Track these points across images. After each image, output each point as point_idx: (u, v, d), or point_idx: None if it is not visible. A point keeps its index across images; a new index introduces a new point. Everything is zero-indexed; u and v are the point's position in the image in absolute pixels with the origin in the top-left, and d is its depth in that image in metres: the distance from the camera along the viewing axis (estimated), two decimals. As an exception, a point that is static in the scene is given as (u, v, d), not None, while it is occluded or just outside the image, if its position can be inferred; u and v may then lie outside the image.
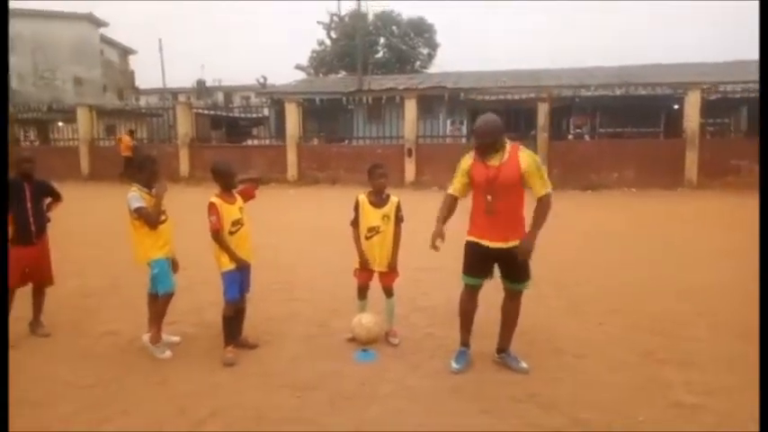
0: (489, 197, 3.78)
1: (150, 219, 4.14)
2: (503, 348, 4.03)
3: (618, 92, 20.68)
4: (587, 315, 5.15)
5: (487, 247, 3.82)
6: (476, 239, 3.88)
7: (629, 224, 10.61)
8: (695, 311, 5.20)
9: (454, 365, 3.97)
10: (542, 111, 17.02)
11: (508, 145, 3.80)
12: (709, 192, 14.64)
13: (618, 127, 19.45)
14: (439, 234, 3.88)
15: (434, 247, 3.88)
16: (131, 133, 20.36)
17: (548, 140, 17.03)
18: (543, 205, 3.76)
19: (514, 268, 3.86)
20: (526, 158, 3.73)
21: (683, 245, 8.47)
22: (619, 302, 5.51)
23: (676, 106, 18.51)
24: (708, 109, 16.55)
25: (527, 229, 3.80)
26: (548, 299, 5.56)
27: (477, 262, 3.89)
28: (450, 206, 3.99)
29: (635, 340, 4.50)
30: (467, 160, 3.95)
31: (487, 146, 3.78)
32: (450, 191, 4.01)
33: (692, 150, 16.07)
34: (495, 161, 3.76)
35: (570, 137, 20.57)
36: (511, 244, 3.77)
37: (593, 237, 9.25)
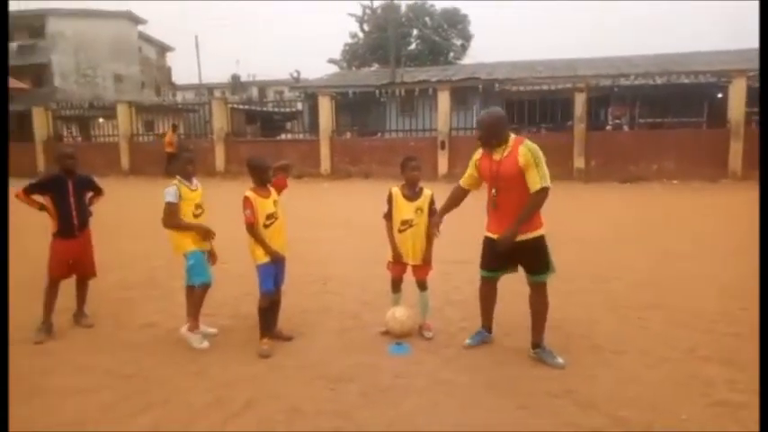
0: (493, 191, 3.87)
1: (170, 217, 4.25)
2: (537, 343, 3.98)
3: (658, 80, 20.03)
4: (625, 310, 5.03)
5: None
6: (489, 234, 3.96)
7: (669, 217, 10.33)
8: (737, 307, 5.03)
9: (467, 341, 4.20)
10: (579, 101, 16.68)
11: (511, 139, 3.81)
12: (754, 183, 14.07)
13: (658, 117, 18.84)
14: (435, 223, 4.21)
15: (433, 233, 4.25)
16: (174, 128, 20.51)
17: (585, 131, 16.68)
18: (534, 200, 3.73)
19: (530, 260, 3.89)
20: (524, 152, 3.71)
21: (724, 238, 8.20)
22: (658, 297, 5.37)
23: (720, 95, 17.86)
24: (754, 97, 15.90)
25: (532, 221, 3.79)
26: (584, 293, 5.46)
27: (490, 256, 3.96)
28: (455, 197, 4.19)
29: (675, 336, 4.38)
30: (477, 153, 4.02)
31: (487, 139, 3.86)
32: (460, 182, 4.16)
33: (736, 141, 15.50)
34: (497, 155, 3.81)
35: (608, 127, 20.06)
36: (521, 237, 3.78)
37: (630, 230, 9.03)
